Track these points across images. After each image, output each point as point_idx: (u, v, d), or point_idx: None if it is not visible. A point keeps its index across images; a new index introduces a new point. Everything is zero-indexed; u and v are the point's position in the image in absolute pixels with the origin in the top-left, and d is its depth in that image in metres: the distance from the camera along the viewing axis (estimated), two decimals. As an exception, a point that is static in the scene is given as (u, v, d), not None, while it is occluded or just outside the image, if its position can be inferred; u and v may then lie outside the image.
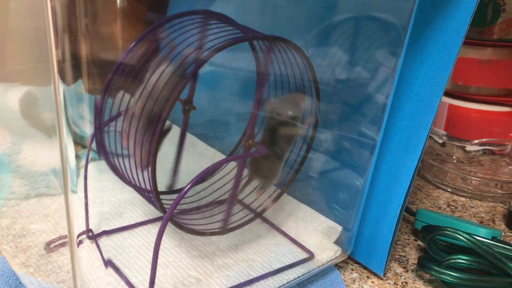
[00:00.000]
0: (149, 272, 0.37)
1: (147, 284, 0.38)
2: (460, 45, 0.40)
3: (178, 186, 0.50)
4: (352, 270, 0.49)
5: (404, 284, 0.47)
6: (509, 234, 0.57)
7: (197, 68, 0.37)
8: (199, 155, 0.57)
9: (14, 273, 0.43)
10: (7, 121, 0.53)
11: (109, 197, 0.52)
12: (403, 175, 0.44)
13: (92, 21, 0.31)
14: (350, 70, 0.47)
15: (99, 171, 0.45)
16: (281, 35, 0.40)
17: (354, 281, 0.47)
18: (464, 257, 0.45)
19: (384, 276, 0.48)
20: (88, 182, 0.42)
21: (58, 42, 0.28)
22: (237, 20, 0.42)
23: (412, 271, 0.49)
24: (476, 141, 0.72)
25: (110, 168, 0.43)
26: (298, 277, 0.44)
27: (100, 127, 0.41)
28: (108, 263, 0.42)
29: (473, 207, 0.63)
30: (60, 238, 0.45)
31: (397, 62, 0.43)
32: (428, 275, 0.48)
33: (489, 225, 0.59)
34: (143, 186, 0.41)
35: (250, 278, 0.43)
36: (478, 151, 0.72)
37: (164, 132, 0.39)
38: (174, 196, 0.44)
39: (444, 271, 0.44)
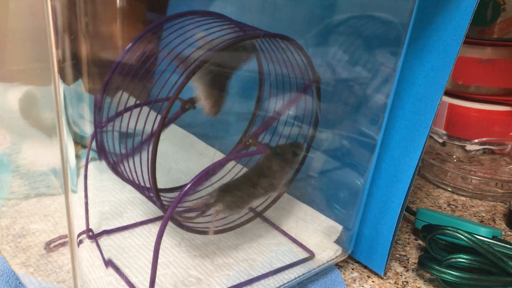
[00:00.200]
0: (149, 271, 0.37)
1: (147, 284, 0.38)
2: (460, 44, 0.40)
3: (178, 185, 0.49)
4: (352, 269, 0.49)
5: (404, 283, 0.47)
6: (509, 233, 0.57)
7: (198, 68, 0.37)
8: (199, 155, 0.57)
9: (14, 273, 0.43)
10: (7, 121, 0.53)
11: (109, 196, 0.52)
12: (404, 175, 0.44)
13: (92, 20, 0.31)
14: (351, 69, 0.47)
15: (99, 171, 0.45)
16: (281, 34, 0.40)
17: (354, 280, 0.47)
18: (464, 256, 0.45)
19: (385, 276, 0.48)
20: (88, 181, 0.42)
21: (59, 42, 0.28)
22: (237, 19, 0.42)
23: (412, 271, 0.49)
24: (476, 141, 0.72)
25: (110, 167, 0.43)
26: (299, 276, 0.44)
27: (100, 126, 0.41)
28: (109, 262, 0.42)
29: (474, 206, 0.63)
30: (60, 237, 0.45)
31: (397, 61, 0.43)
32: (428, 275, 0.48)
33: (490, 224, 0.59)
34: (143, 184, 0.41)
35: (251, 277, 0.43)
36: (478, 150, 0.72)
37: None
38: (175, 194, 0.44)
39: (445, 270, 0.44)
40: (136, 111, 0.40)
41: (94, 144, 0.42)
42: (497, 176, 0.68)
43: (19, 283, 0.42)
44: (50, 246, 0.44)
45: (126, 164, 0.42)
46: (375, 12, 0.43)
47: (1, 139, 0.54)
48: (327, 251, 0.48)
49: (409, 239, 0.55)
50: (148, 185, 0.39)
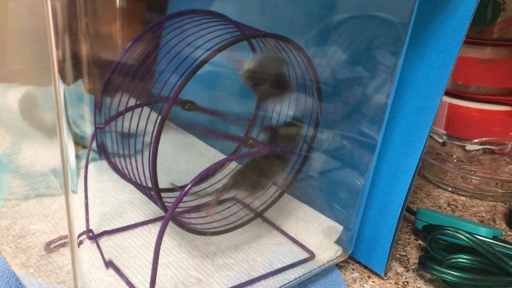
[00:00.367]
0: (149, 272, 0.37)
1: (147, 285, 0.38)
2: (460, 44, 0.40)
3: (178, 185, 0.49)
4: (353, 269, 0.49)
5: (405, 283, 0.47)
6: (509, 233, 0.57)
7: (197, 69, 0.37)
8: (200, 155, 0.57)
9: (14, 274, 0.43)
10: (7, 121, 0.53)
11: (109, 197, 0.52)
12: (404, 175, 0.44)
13: (92, 20, 0.31)
14: (351, 70, 0.47)
15: (99, 171, 0.45)
16: (282, 34, 0.40)
17: (355, 280, 0.47)
18: (465, 257, 0.45)
19: (385, 276, 0.48)
20: (88, 182, 0.42)
21: (59, 42, 0.28)
22: (237, 20, 0.42)
23: (413, 271, 0.49)
24: (476, 140, 0.72)
25: (111, 167, 0.43)
26: (299, 277, 0.44)
27: (101, 125, 0.41)
28: (109, 263, 0.42)
29: (474, 206, 0.63)
30: (60, 238, 0.45)
31: (397, 61, 0.43)
32: (429, 275, 0.48)
33: (490, 224, 0.59)
34: (144, 184, 0.41)
35: (251, 278, 0.43)
36: (478, 150, 0.72)
37: None
38: (175, 194, 0.44)
39: (445, 270, 0.44)
40: (136, 111, 0.40)
41: (94, 144, 0.42)
42: (497, 176, 0.68)
43: (19, 284, 0.42)
44: (50, 247, 0.44)
45: (127, 164, 0.42)
46: (375, 12, 0.43)
47: (1, 139, 0.54)
48: (327, 251, 0.47)
49: (409, 239, 0.54)
50: (149, 184, 0.39)
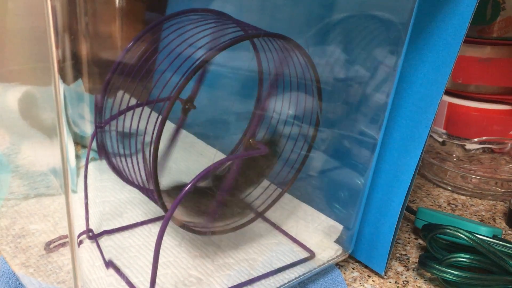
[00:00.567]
0: (149, 272, 0.37)
1: (148, 284, 0.38)
2: (461, 43, 0.40)
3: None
4: (353, 269, 0.49)
5: (405, 283, 0.47)
6: (509, 232, 0.57)
7: (198, 68, 0.37)
8: (200, 155, 0.57)
9: (14, 274, 0.43)
10: (6, 121, 0.53)
11: (109, 197, 0.52)
12: (404, 174, 0.44)
13: (91, 20, 0.31)
14: (351, 69, 0.47)
15: (99, 171, 0.45)
16: (282, 33, 0.40)
17: (355, 280, 0.47)
18: (465, 256, 0.45)
19: (385, 275, 0.48)
20: (88, 181, 0.42)
21: (59, 42, 0.28)
22: (237, 18, 0.42)
23: (413, 270, 0.49)
24: (475, 140, 0.72)
25: (111, 167, 0.43)
26: (299, 276, 0.44)
27: (101, 125, 0.41)
28: (109, 263, 0.42)
29: (474, 205, 0.63)
30: (60, 238, 0.45)
31: (397, 60, 0.42)
32: (429, 274, 0.48)
33: (490, 223, 0.59)
34: (145, 185, 0.41)
35: (251, 277, 0.43)
36: (478, 149, 0.72)
37: None
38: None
39: (445, 269, 0.44)
40: (137, 111, 0.40)
41: (94, 144, 0.42)
42: (497, 175, 0.68)
43: (19, 283, 0.42)
44: (50, 247, 0.44)
45: (127, 164, 0.42)
46: (375, 11, 0.43)
47: (1, 139, 0.54)
48: (327, 250, 0.47)
49: (409, 238, 0.55)
50: (149, 185, 0.39)
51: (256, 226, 0.49)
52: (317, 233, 0.49)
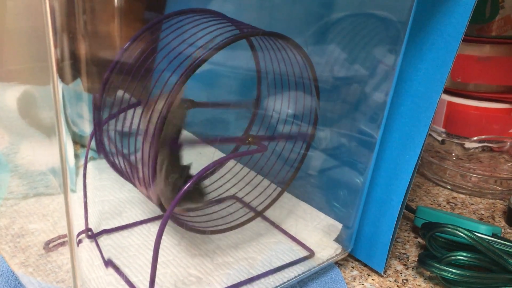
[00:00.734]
0: (149, 271, 0.37)
1: (147, 283, 0.38)
2: (460, 41, 0.40)
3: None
4: (352, 267, 0.49)
5: (404, 281, 0.47)
6: (509, 230, 0.57)
7: (196, 68, 0.37)
8: (199, 154, 0.57)
9: (13, 273, 0.43)
10: (5, 120, 0.53)
11: (108, 196, 0.52)
12: (403, 172, 0.44)
13: (90, 20, 0.31)
14: (350, 68, 0.47)
15: (98, 170, 0.45)
16: (280, 33, 0.40)
17: (354, 278, 0.47)
18: (464, 254, 0.45)
19: (385, 274, 0.48)
20: (87, 181, 0.42)
21: (57, 41, 0.28)
22: (235, 18, 0.42)
23: (412, 268, 0.49)
24: (475, 138, 0.72)
25: (110, 165, 0.43)
26: (299, 275, 0.44)
27: (100, 123, 0.41)
28: (108, 262, 0.42)
29: (473, 204, 0.63)
30: (59, 237, 0.45)
31: (396, 59, 0.42)
32: (428, 272, 0.48)
33: (489, 222, 0.59)
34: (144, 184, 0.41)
35: (251, 276, 0.43)
36: (477, 148, 0.72)
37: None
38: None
39: (445, 268, 0.44)
40: (135, 110, 0.39)
41: (92, 143, 0.42)
42: (496, 173, 0.68)
43: (18, 283, 0.42)
44: (49, 246, 0.44)
45: (126, 162, 0.42)
46: (374, 10, 0.43)
47: (-1, 138, 0.54)
48: (327, 249, 0.47)
49: (408, 237, 0.55)
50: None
51: (255, 225, 0.49)
52: (316, 232, 0.49)
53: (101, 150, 0.42)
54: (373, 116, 0.45)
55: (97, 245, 0.44)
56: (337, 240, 0.48)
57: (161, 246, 0.36)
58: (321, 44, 0.47)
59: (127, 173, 0.42)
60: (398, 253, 0.51)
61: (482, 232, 0.45)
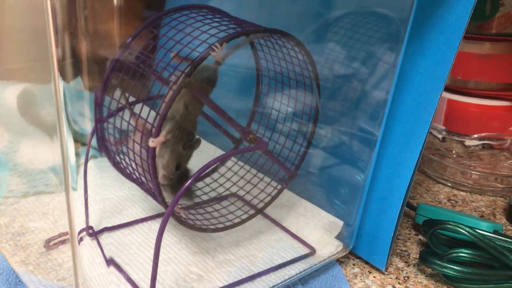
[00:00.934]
0: (150, 269, 0.37)
1: (148, 281, 0.38)
2: (461, 38, 0.40)
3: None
4: (353, 265, 0.49)
5: (406, 278, 0.47)
6: (510, 227, 0.57)
7: (196, 66, 0.37)
8: (199, 152, 0.57)
9: (13, 271, 0.42)
10: (5, 118, 0.53)
11: (109, 194, 0.52)
12: (404, 170, 0.44)
13: (90, 18, 0.31)
14: (351, 66, 0.46)
15: (99, 168, 0.45)
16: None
17: (355, 276, 0.47)
18: (466, 251, 0.45)
19: (386, 271, 0.48)
20: (88, 179, 0.42)
21: (58, 40, 0.28)
22: (235, 15, 0.42)
23: (413, 266, 0.49)
24: (475, 136, 0.72)
25: (111, 163, 0.43)
26: (300, 272, 0.44)
27: (101, 120, 0.41)
28: (109, 260, 0.42)
29: (474, 201, 0.63)
30: (59, 235, 0.45)
31: (397, 56, 0.42)
32: (430, 269, 0.48)
33: (490, 219, 0.59)
34: (144, 180, 0.41)
35: (252, 273, 0.43)
36: (477, 145, 0.72)
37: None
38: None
39: (446, 265, 0.44)
40: (136, 108, 0.39)
41: (93, 141, 0.42)
42: (497, 171, 0.68)
43: (19, 281, 0.42)
44: (50, 244, 0.44)
45: (126, 160, 0.41)
46: (375, 8, 0.43)
47: (-1, 137, 0.54)
48: (328, 246, 0.47)
49: (409, 234, 0.54)
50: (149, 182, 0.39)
51: (256, 223, 0.49)
52: (317, 229, 0.49)
53: (102, 148, 0.42)
54: (374, 113, 0.45)
55: (98, 243, 0.44)
56: (338, 237, 0.48)
57: (162, 244, 0.36)
58: (322, 42, 0.47)
59: (128, 171, 0.42)
60: (399, 251, 0.51)
61: (484, 229, 0.45)
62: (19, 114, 0.51)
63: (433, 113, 0.42)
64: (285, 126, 0.47)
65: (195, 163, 0.50)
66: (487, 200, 0.64)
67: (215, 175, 0.49)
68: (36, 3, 0.28)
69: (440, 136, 0.72)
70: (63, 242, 0.44)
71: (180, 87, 0.36)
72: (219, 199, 0.48)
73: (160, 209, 0.50)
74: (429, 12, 0.41)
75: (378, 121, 0.45)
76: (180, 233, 0.47)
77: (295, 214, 0.51)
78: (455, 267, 0.44)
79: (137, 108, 0.39)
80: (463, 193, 0.65)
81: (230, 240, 0.47)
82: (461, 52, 0.71)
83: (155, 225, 0.48)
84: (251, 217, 0.47)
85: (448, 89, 0.74)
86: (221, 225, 0.45)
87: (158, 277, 0.39)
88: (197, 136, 0.42)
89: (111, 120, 0.41)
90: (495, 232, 0.46)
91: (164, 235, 0.36)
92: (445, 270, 0.44)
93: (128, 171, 0.42)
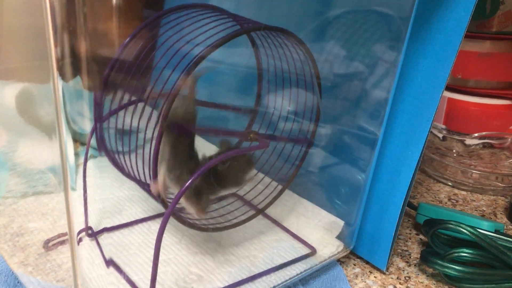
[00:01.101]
0: (150, 269, 0.37)
1: (148, 282, 0.38)
2: (462, 37, 0.39)
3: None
4: (354, 265, 0.48)
5: (407, 278, 0.47)
6: (511, 227, 0.57)
7: (196, 65, 0.36)
8: (200, 152, 0.57)
9: (12, 272, 0.42)
10: (3, 118, 0.53)
11: (108, 194, 0.52)
12: (405, 169, 0.44)
13: (89, 18, 0.31)
14: (351, 65, 0.46)
15: (98, 168, 0.44)
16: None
17: (356, 276, 0.47)
18: (467, 251, 0.44)
19: (387, 271, 0.47)
20: (87, 179, 0.42)
21: (57, 40, 0.27)
22: (235, 13, 0.41)
23: (415, 265, 0.49)
24: (475, 135, 0.72)
25: (111, 162, 0.43)
26: (300, 272, 0.44)
27: (100, 119, 0.41)
28: (109, 261, 0.42)
29: (474, 200, 0.63)
30: (58, 236, 0.45)
31: (398, 55, 0.42)
32: (431, 269, 0.48)
33: (491, 218, 0.59)
34: (144, 180, 0.40)
35: (252, 274, 0.43)
36: (477, 144, 0.72)
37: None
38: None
39: (447, 264, 0.44)
40: (136, 107, 0.39)
41: (93, 141, 0.42)
42: (497, 170, 0.68)
43: (18, 282, 0.42)
44: (49, 245, 0.44)
45: (127, 160, 0.41)
46: (376, 6, 0.43)
47: (-2, 137, 0.53)
48: (328, 246, 0.47)
49: (410, 234, 0.54)
50: (149, 181, 0.39)
51: (256, 223, 0.49)
52: (318, 229, 0.49)
53: (102, 147, 0.42)
54: (375, 112, 0.45)
55: (98, 243, 0.44)
56: (339, 237, 0.48)
57: (162, 244, 0.36)
58: (322, 41, 0.47)
59: (128, 170, 0.41)
60: (400, 250, 0.51)
61: (485, 228, 0.45)
62: (17, 113, 0.50)
63: (435, 112, 0.42)
64: (286, 125, 0.47)
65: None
66: (488, 199, 0.64)
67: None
68: (35, 2, 0.27)
69: (440, 135, 0.72)
70: (62, 242, 0.44)
71: (160, 135, 0.36)
72: (220, 199, 0.47)
73: (160, 209, 0.50)
74: (430, 11, 0.41)
75: (379, 120, 0.44)
76: (180, 234, 0.47)
77: (296, 214, 0.51)
78: (457, 267, 0.43)
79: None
80: (463, 192, 0.65)
81: (230, 241, 0.47)
82: (462, 50, 0.70)
83: (155, 225, 0.48)
84: (252, 217, 0.47)
85: (448, 88, 0.74)
86: (221, 225, 0.45)
87: (158, 277, 0.38)
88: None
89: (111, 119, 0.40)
90: (496, 231, 0.46)
91: (164, 235, 0.36)
92: (447, 270, 0.44)
93: (128, 171, 0.42)
